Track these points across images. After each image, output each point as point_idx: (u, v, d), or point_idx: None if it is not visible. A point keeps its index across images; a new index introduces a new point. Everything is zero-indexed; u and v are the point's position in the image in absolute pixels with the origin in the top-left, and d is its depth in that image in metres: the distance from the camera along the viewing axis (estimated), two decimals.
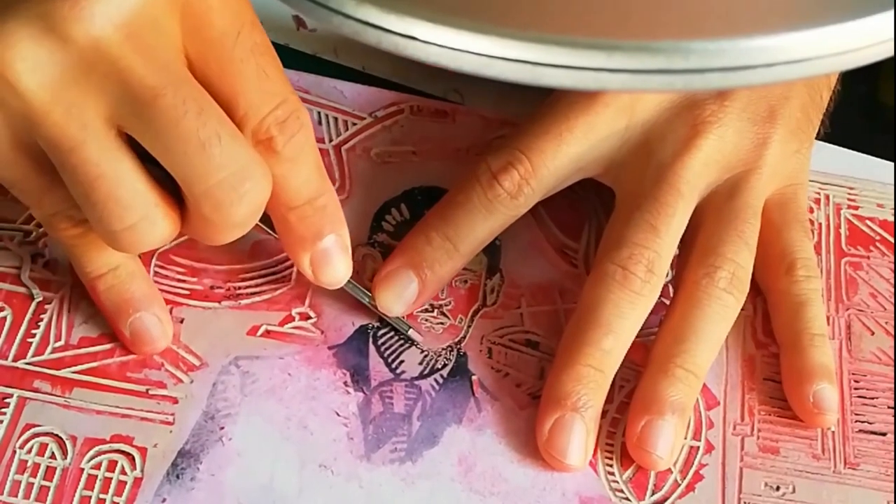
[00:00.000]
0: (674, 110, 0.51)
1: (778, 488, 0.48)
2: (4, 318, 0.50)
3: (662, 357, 0.48)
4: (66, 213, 0.45)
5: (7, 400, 0.47)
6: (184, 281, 0.51)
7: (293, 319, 0.50)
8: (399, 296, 0.50)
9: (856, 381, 0.50)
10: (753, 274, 0.50)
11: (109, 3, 0.40)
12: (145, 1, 0.41)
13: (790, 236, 0.51)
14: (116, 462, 0.46)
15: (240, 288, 0.51)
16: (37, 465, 0.46)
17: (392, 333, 0.50)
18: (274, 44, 0.58)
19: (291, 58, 0.58)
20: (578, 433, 0.47)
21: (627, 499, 0.47)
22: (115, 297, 0.48)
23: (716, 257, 0.49)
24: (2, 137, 0.42)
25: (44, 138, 0.42)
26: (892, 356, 0.51)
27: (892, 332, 0.52)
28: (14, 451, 0.46)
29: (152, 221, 0.43)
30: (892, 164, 0.57)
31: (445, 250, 0.50)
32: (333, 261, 0.47)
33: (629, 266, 0.48)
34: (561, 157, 0.50)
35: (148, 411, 0.48)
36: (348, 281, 0.49)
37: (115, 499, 0.45)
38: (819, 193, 0.56)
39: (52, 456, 0.46)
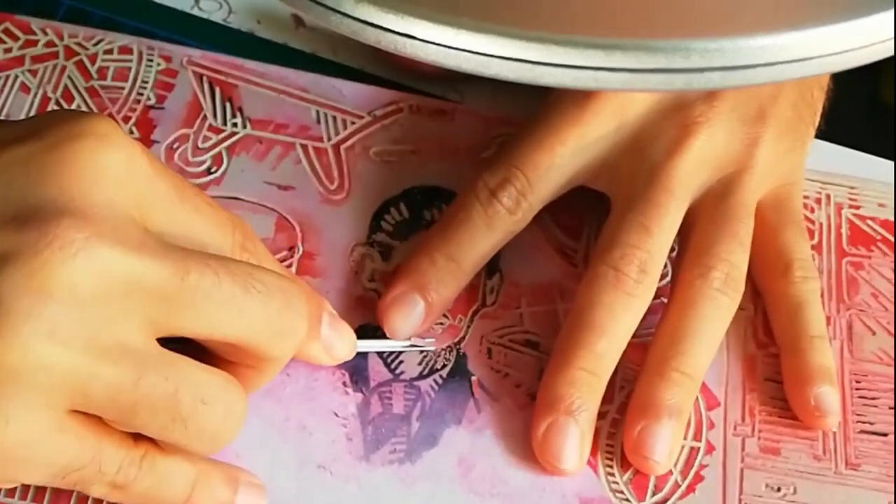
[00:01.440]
0: (663, 112, 0.51)
1: (779, 489, 0.47)
2: None
3: (658, 360, 0.48)
4: (128, 460, 0.41)
5: None
6: None
7: None
8: (406, 320, 0.49)
9: (857, 382, 0.50)
10: (751, 276, 0.50)
11: (90, 222, 0.37)
12: (112, 202, 0.39)
13: (786, 237, 0.51)
14: None
15: None
16: None
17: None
18: (272, 43, 0.59)
19: (290, 57, 0.58)
20: (572, 437, 0.47)
21: (627, 500, 0.47)
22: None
23: (709, 257, 0.49)
24: (45, 427, 0.38)
25: (99, 397, 0.38)
26: (894, 356, 0.51)
27: (894, 333, 0.51)
28: None
29: (236, 398, 0.41)
30: (892, 163, 0.56)
31: (450, 270, 0.49)
32: (339, 337, 0.47)
33: (621, 267, 0.48)
34: (555, 169, 0.50)
35: None
36: None
37: None
38: (820, 193, 0.55)
39: None
